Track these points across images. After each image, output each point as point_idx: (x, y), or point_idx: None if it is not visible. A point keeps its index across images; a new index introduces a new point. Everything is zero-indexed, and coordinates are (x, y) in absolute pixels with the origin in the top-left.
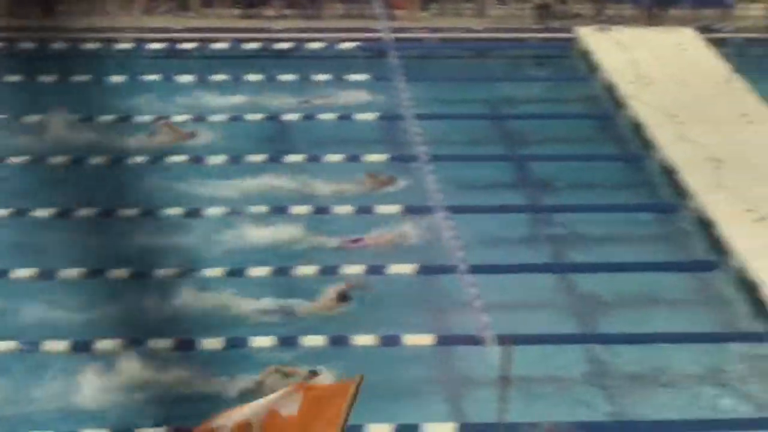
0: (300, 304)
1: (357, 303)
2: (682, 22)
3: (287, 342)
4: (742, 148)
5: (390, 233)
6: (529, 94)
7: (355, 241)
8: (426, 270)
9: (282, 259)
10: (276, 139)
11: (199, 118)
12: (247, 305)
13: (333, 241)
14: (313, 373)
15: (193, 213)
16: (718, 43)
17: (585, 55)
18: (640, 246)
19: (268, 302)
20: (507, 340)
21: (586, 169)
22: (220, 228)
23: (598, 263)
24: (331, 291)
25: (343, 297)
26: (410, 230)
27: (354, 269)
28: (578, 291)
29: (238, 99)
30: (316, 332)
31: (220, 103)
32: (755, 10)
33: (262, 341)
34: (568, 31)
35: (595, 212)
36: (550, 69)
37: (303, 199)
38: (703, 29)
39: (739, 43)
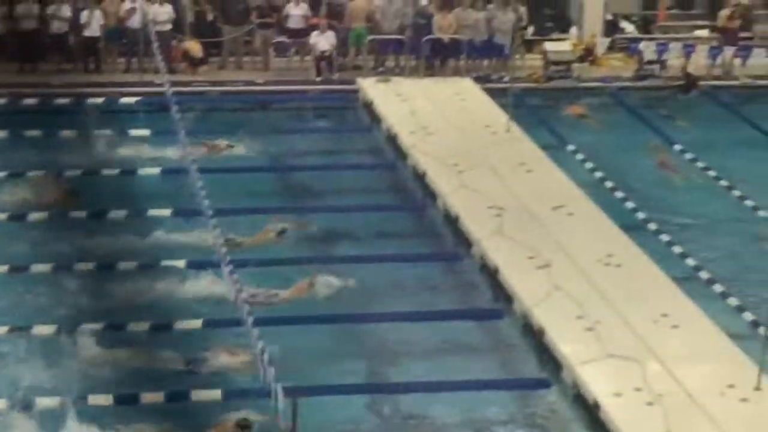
0: None
1: None
2: (460, 72)
3: None
4: (522, 196)
5: None
6: (313, 146)
7: None
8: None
9: None
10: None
11: None
12: None
13: None
14: None
15: None
16: (496, 93)
17: (367, 106)
18: (426, 295)
19: None
20: (293, 393)
21: (371, 220)
22: None
23: (386, 313)
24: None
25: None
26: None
27: None
28: (367, 341)
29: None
30: None
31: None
32: (531, 61)
33: None
34: (350, 82)
35: (381, 262)
36: (333, 120)
37: None
38: (481, 79)
39: (516, 92)
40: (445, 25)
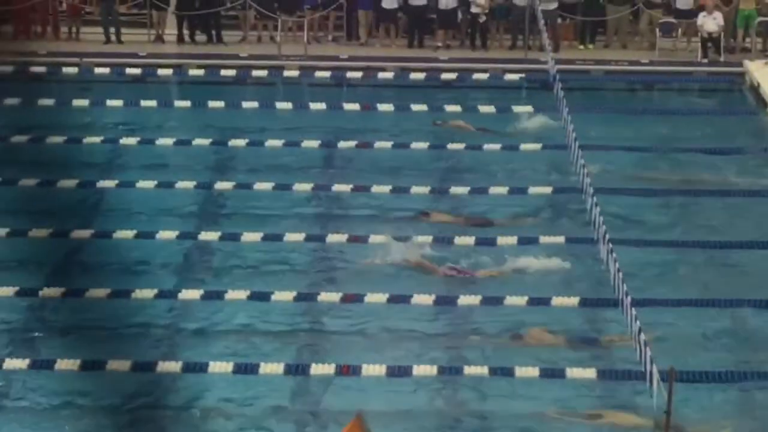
0: None
1: None
2: None
3: None
4: None
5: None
6: (697, 128)
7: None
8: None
9: None
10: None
11: (366, 145)
12: None
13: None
14: None
15: None
16: None
17: (754, 90)
18: None
19: None
20: (671, 375)
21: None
22: None
23: None
24: None
25: None
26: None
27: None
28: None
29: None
30: None
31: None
32: None
33: None
34: (737, 65)
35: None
36: (717, 102)
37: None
38: None
39: None
40: None
